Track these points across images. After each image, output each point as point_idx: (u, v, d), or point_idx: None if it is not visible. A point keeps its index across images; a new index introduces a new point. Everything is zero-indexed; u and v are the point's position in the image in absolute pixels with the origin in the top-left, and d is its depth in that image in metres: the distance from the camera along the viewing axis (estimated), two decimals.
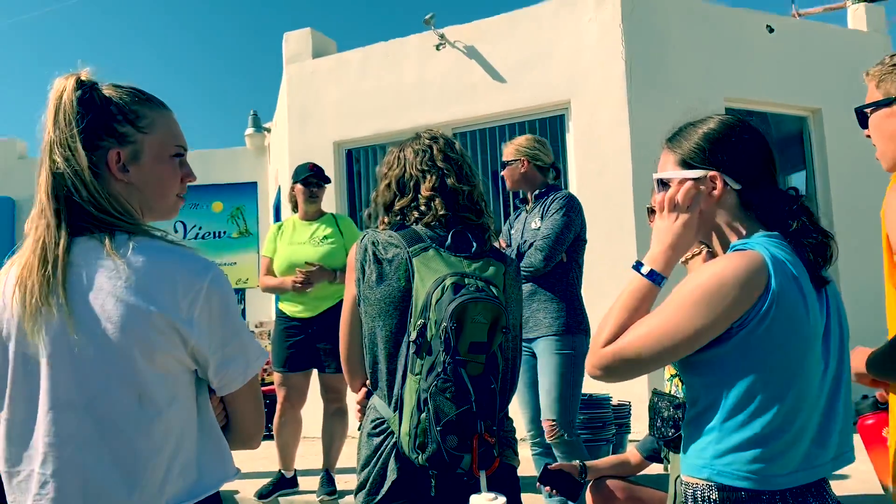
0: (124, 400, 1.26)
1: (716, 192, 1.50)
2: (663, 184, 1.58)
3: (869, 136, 1.86)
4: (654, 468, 3.10)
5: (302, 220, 4.47)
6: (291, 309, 4.35)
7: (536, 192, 3.62)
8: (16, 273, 1.30)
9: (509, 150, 3.68)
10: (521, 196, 3.80)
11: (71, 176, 1.29)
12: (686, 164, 1.54)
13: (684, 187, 1.51)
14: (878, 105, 1.78)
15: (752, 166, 1.51)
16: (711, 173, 1.50)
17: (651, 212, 2.36)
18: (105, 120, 1.34)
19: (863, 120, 1.83)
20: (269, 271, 4.42)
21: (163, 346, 1.27)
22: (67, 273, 1.27)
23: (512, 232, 3.68)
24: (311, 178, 4.42)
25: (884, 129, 1.78)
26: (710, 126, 1.54)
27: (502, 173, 3.70)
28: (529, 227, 3.54)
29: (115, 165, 1.34)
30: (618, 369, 1.47)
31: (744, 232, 1.50)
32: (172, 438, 1.30)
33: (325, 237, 4.33)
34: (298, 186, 4.44)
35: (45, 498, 1.25)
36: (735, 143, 1.51)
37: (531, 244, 3.45)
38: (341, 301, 4.12)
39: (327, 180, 4.52)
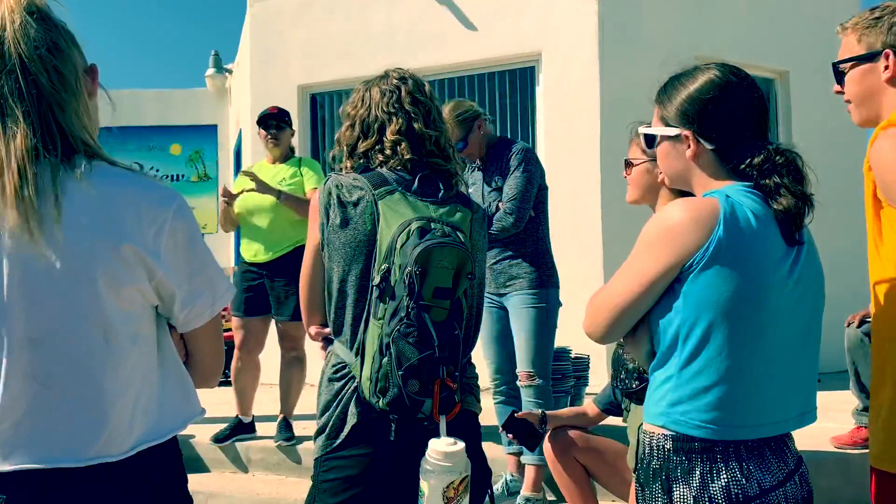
0: (90, 336, 1.19)
1: (688, 152, 1.51)
2: (648, 139, 1.61)
3: (840, 93, 1.84)
4: (610, 421, 3.15)
5: (268, 164, 4.43)
6: (248, 253, 4.32)
7: (488, 148, 3.56)
8: None
9: (454, 127, 3.44)
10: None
11: (51, 90, 1.19)
12: (666, 121, 1.56)
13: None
14: (860, 59, 1.76)
15: (732, 125, 1.49)
16: (684, 132, 1.51)
17: (628, 164, 2.35)
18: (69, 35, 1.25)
19: (839, 76, 1.81)
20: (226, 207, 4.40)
21: (129, 278, 1.20)
22: (26, 199, 1.16)
23: (470, 190, 3.63)
24: (269, 119, 4.36)
25: (864, 84, 1.75)
26: (693, 84, 1.53)
27: (464, 153, 3.54)
28: (489, 188, 3.50)
29: (93, 81, 1.27)
30: (602, 326, 1.50)
31: (722, 186, 1.49)
32: (137, 377, 1.24)
33: (283, 180, 4.27)
34: (261, 130, 4.41)
35: (10, 440, 1.18)
36: (715, 103, 1.49)
37: (497, 206, 3.43)
38: (296, 248, 4.15)
39: (288, 122, 4.43)
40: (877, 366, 1.72)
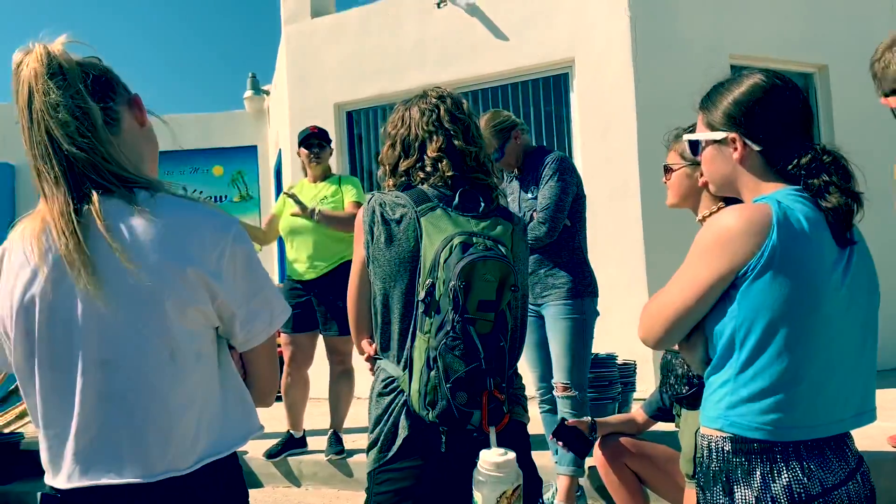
0: (157, 356, 1.26)
1: (735, 155, 1.52)
2: (692, 144, 1.63)
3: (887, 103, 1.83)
4: (660, 427, 3.13)
5: (309, 183, 4.52)
6: (294, 271, 4.41)
7: (524, 158, 3.57)
8: (35, 232, 1.28)
9: (490, 136, 3.45)
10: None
11: (83, 134, 1.27)
12: (712, 126, 1.57)
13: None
14: None
15: (778, 126, 1.51)
16: (731, 135, 1.52)
17: (667, 169, 2.35)
18: (109, 77, 1.34)
19: None
20: (269, 226, 4.56)
21: (193, 300, 1.27)
22: (94, 231, 1.25)
23: (508, 200, 3.65)
24: (311, 138, 4.45)
25: None
26: (739, 88, 1.55)
27: (501, 163, 3.57)
28: (525, 197, 3.51)
29: (140, 111, 1.36)
30: (657, 333, 1.52)
31: (770, 190, 1.50)
32: (201, 394, 1.30)
33: (325, 198, 4.35)
34: (302, 150, 4.49)
35: (86, 457, 1.25)
36: (762, 104, 1.51)
37: (531, 216, 3.44)
38: (342, 264, 4.22)
39: (329, 141, 4.53)
40: None
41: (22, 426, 5.17)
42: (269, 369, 1.45)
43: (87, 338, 1.24)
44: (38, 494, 1.30)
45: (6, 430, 5.45)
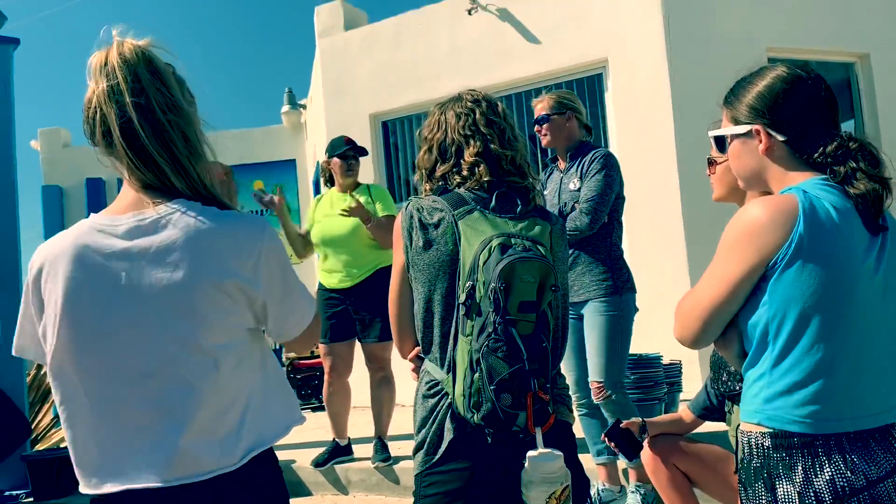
0: (200, 367, 1.29)
1: (760, 147, 1.51)
2: (718, 141, 1.63)
3: None
4: (710, 427, 3.08)
5: (339, 193, 4.50)
6: (329, 281, 4.41)
7: (572, 150, 3.55)
8: (69, 244, 1.32)
9: (549, 103, 3.54)
10: (552, 155, 3.72)
11: (154, 136, 1.32)
12: (736, 121, 1.56)
13: None
14: None
15: (803, 115, 1.49)
16: (755, 127, 1.51)
17: (711, 163, 2.33)
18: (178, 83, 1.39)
19: None
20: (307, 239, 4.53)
21: (233, 309, 1.31)
22: (133, 241, 1.29)
23: (546, 193, 3.63)
24: (348, 151, 4.44)
25: None
26: (762, 81, 1.54)
27: (541, 129, 3.58)
28: (567, 189, 3.48)
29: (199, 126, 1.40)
30: (693, 331, 1.51)
31: (798, 181, 1.48)
32: (244, 393, 1.34)
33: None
34: (335, 160, 4.46)
35: (129, 462, 1.29)
36: (785, 95, 1.50)
37: (573, 206, 3.41)
38: (377, 272, 4.26)
39: (364, 152, 4.54)
40: None
41: None
42: (305, 340, 1.53)
43: (126, 350, 1.28)
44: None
45: (63, 445, 5.60)
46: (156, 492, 1.28)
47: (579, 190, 3.41)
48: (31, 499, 4.79)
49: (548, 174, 3.69)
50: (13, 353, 1.40)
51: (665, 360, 4.34)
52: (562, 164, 3.59)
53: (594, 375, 3.38)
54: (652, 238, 5.41)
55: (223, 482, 1.30)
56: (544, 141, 3.61)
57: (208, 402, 1.29)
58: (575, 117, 3.54)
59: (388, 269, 4.26)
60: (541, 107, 3.58)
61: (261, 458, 1.36)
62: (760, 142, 1.51)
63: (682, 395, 4.48)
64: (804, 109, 1.49)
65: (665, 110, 5.53)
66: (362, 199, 4.38)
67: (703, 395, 2.98)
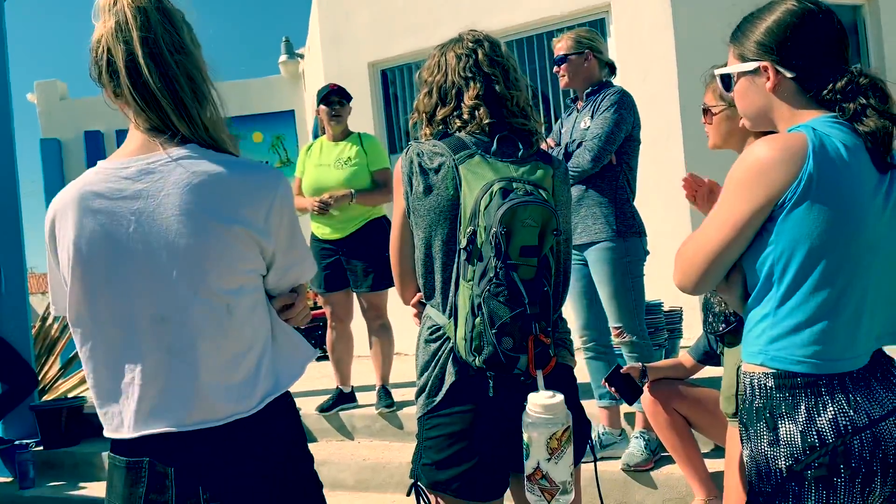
0: (214, 312, 1.30)
1: (768, 84, 1.47)
2: (724, 80, 1.58)
3: None
4: (709, 372, 3.11)
5: (329, 141, 4.47)
6: (321, 231, 4.41)
7: (589, 89, 3.48)
8: (77, 191, 1.31)
9: (568, 43, 3.47)
10: (573, 95, 3.65)
11: (173, 76, 1.31)
12: (743, 58, 1.52)
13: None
14: None
15: (812, 51, 1.45)
16: (763, 64, 1.47)
17: (706, 111, 2.29)
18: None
19: None
20: (299, 192, 4.48)
21: (245, 255, 1.31)
22: (143, 182, 1.28)
23: (562, 131, 3.57)
24: (331, 96, 4.39)
25: None
26: (771, 16, 1.49)
27: (559, 69, 3.52)
28: (579, 127, 3.41)
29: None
30: (696, 276, 1.48)
31: (806, 119, 1.45)
32: (258, 338, 1.35)
33: (349, 159, 4.34)
34: (322, 107, 4.43)
35: (155, 406, 1.30)
36: (794, 29, 1.45)
37: (579, 143, 3.34)
38: (369, 222, 4.27)
39: (348, 97, 4.48)
40: None
41: (85, 390, 5.37)
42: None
43: (140, 295, 1.28)
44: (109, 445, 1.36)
45: (70, 395, 5.68)
46: (174, 436, 1.30)
47: (589, 128, 3.35)
48: (41, 447, 4.88)
49: (568, 113, 3.62)
50: (53, 314, 1.42)
51: (665, 307, 4.36)
52: (580, 105, 3.53)
53: (613, 321, 3.37)
54: (654, 185, 5.37)
55: (241, 427, 1.32)
56: (562, 82, 3.55)
57: (223, 347, 1.30)
58: (594, 56, 3.47)
59: (379, 220, 4.37)
60: (559, 47, 3.51)
61: (278, 402, 1.38)
62: (768, 79, 1.47)
63: (682, 342, 4.51)
64: (815, 44, 1.45)
65: (668, 56, 5.44)
66: (353, 149, 4.36)
67: (703, 340, 3.01)
